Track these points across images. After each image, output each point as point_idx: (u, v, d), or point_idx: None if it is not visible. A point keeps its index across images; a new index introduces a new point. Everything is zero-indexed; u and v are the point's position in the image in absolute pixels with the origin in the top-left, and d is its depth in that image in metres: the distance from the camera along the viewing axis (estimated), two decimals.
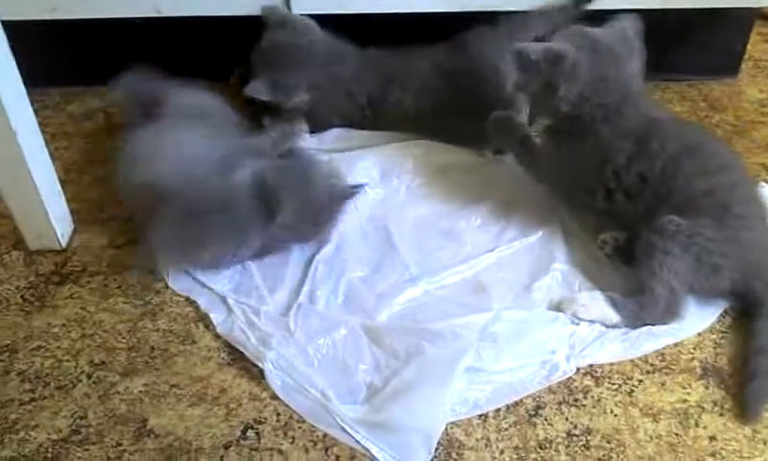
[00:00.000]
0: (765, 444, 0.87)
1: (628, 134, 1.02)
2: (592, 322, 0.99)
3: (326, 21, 1.28)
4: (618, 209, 1.04)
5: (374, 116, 1.29)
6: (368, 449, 0.86)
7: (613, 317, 0.98)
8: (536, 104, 1.08)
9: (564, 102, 1.02)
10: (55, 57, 1.40)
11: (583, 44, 1.02)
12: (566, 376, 0.94)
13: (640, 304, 0.98)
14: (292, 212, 1.03)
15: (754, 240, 0.99)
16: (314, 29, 1.28)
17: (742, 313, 1.01)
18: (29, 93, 1.04)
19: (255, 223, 1.02)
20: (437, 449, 0.86)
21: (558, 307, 1.01)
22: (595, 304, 0.99)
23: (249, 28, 1.31)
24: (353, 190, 1.11)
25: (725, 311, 1.02)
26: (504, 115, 1.16)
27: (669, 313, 0.98)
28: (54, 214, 1.10)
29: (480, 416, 0.90)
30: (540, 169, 1.13)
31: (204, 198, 1.01)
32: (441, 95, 1.25)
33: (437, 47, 1.28)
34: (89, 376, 0.95)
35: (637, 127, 1.02)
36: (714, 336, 0.99)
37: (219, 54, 1.36)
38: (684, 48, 1.41)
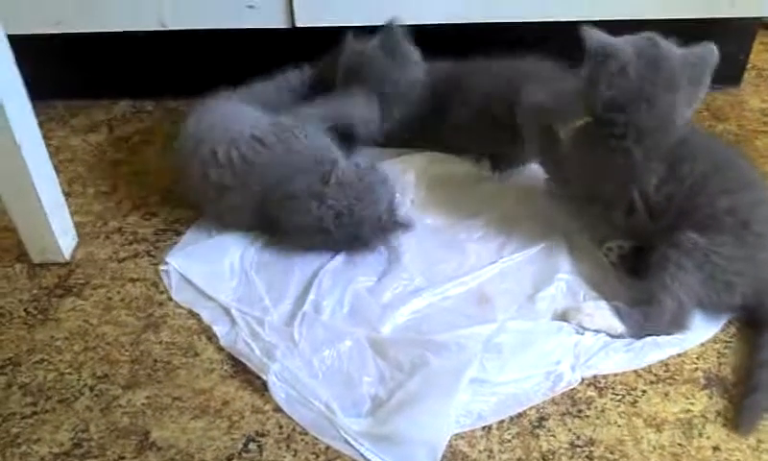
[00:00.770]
0: None
1: (660, 159, 0.99)
2: (597, 331, 0.98)
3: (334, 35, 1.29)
4: (636, 224, 1.03)
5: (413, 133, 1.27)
6: None
7: (618, 327, 0.98)
8: (579, 95, 1.03)
9: (599, 101, 0.98)
10: (60, 70, 1.41)
11: (645, 55, 0.97)
12: (571, 387, 0.93)
13: (645, 315, 0.97)
14: (337, 210, 1.06)
15: None
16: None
17: (746, 323, 1.00)
18: (34, 106, 1.05)
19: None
20: None
21: (563, 317, 1.00)
22: (600, 314, 0.99)
23: (252, 41, 1.32)
24: (400, 226, 1.11)
25: (729, 321, 1.01)
26: (536, 105, 1.13)
27: (675, 325, 0.98)
28: (57, 227, 1.10)
29: (483, 427, 0.89)
30: (562, 169, 1.11)
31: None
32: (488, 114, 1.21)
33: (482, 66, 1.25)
34: (92, 389, 0.95)
35: (670, 152, 1.00)
36: (718, 346, 0.98)
37: (223, 67, 1.37)
38: None
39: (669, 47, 0.99)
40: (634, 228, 1.05)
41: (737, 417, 0.89)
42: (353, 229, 1.07)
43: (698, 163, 0.99)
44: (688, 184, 0.99)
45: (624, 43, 0.98)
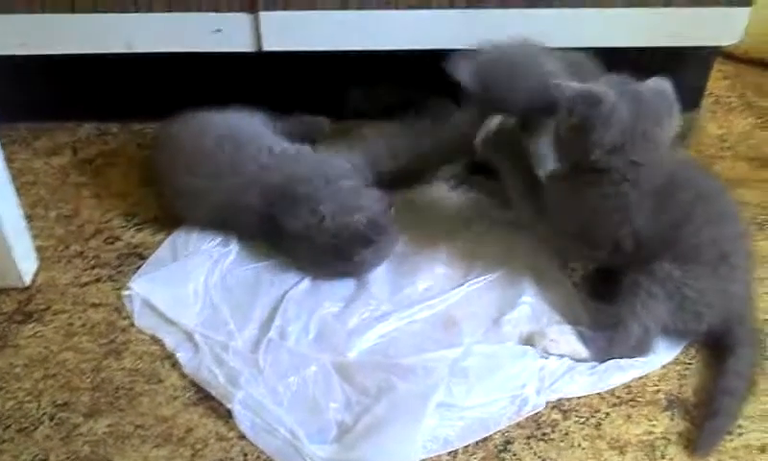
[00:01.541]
0: None
1: (650, 194, 0.98)
2: (562, 356, 0.99)
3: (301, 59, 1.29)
4: (619, 260, 1.02)
5: None
6: None
7: (582, 352, 0.99)
8: (562, 146, 1.01)
9: (596, 148, 0.95)
10: (23, 92, 1.39)
11: (625, 92, 0.95)
12: (536, 411, 0.94)
13: (610, 339, 0.99)
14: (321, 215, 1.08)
15: (740, 293, 1.00)
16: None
17: (708, 346, 1.02)
18: None
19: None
20: None
21: (528, 341, 1.01)
22: (565, 339, 1.00)
23: (219, 64, 1.31)
24: (382, 234, 1.10)
25: (689, 343, 1.03)
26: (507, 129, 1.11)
27: (639, 350, 0.99)
28: (18, 252, 1.08)
29: (450, 452, 0.89)
30: (545, 216, 1.08)
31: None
32: None
33: None
34: (52, 418, 0.93)
35: (659, 186, 0.99)
36: (679, 368, 1.00)
37: (189, 90, 1.36)
38: None
39: (640, 84, 0.98)
40: (615, 262, 1.04)
41: (697, 439, 0.91)
42: (335, 237, 1.07)
43: (683, 193, 0.99)
44: (674, 217, 0.99)
45: (602, 87, 0.96)
